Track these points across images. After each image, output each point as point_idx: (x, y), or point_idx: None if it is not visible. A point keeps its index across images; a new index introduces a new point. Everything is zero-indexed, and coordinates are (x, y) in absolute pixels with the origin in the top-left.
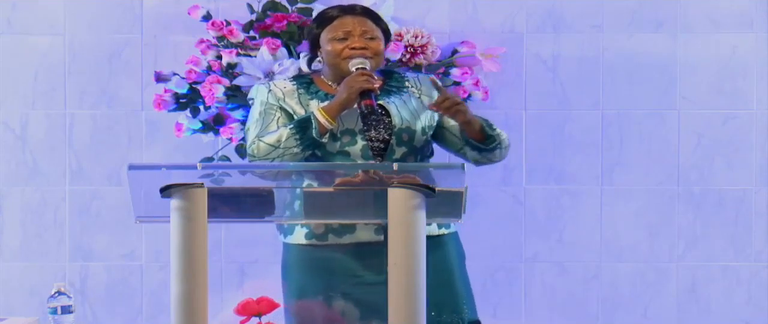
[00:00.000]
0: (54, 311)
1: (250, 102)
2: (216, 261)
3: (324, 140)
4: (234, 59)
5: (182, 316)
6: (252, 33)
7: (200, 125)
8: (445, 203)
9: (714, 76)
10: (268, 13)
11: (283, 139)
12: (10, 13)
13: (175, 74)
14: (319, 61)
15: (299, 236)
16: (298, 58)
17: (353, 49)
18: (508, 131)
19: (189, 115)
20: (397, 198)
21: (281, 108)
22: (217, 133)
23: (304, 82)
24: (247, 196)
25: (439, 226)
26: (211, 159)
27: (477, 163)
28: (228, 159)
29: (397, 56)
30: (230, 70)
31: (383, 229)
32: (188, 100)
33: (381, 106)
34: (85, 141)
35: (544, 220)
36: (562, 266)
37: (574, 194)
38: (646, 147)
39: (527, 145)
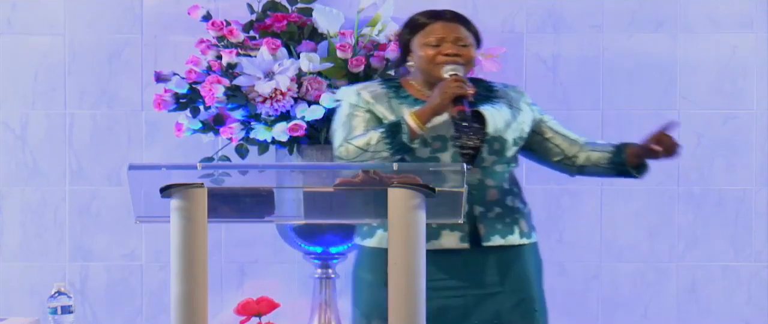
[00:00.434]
0: (54, 311)
1: (337, 103)
2: (216, 261)
3: (414, 146)
4: (234, 59)
5: (182, 316)
6: (252, 33)
7: (200, 125)
8: (445, 203)
9: (714, 76)
10: (268, 13)
11: (373, 142)
12: (10, 13)
13: (175, 74)
14: (411, 67)
15: (381, 240)
16: (298, 58)
17: (447, 55)
18: None
19: (189, 115)
20: (397, 198)
21: (370, 111)
22: (217, 133)
23: (393, 86)
24: (247, 196)
25: (521, 236)
26: (211, 159)
27: (572, 175)
28: (228, 159)
29: (397, 56)
30: (230, 70)
31: (469, 237)
32: (188, 100)
33: (476, 112)
34: (85, 141)
35: (544, 220)
36: (562, 266)
37: (574, 194)
38: None
39: None
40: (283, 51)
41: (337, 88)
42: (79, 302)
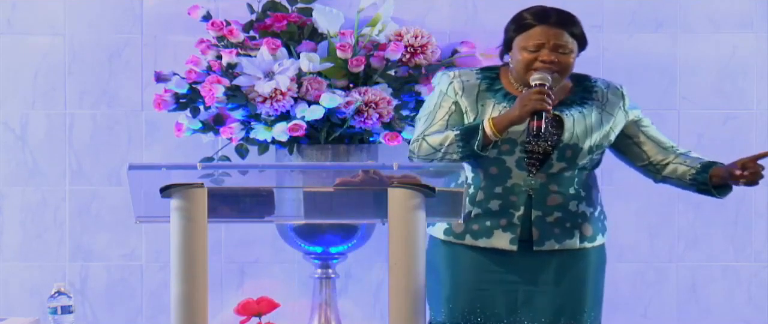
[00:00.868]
0: (54, 311)
1: (433, 86)
2: (216, 261)
3: (484, 153)
4: (234, 59)
5: (182, 316)
6: (252, 33)
7: (200, 125)
8: (445, 203)
9: (714, 76)
10: (268, 13)
11: (446, 143)
12: (10, 13)
13: (175, 74)
14: (509, 62)
15: (438, 230)
16: (298, 58)
17: (543, 61)
18: None
19: (189, 115)
20: (397, 198)
21: (456, 103)
22: (217, 133)
23: (490, 76)
24: (247, 196)
25: (582, 240)
26: (211, 159)
27: (656, 181)
28: (228, 159)
29: (397, 56)
30: (230, 70)
31: (520, 239)
32: (188, 100)
33: (556, 117)
34: (85, 141)
35: None
36: None
37: None
38: None
39: None
40: (283, 51)
41: (337, 88)
42: (79, 302)
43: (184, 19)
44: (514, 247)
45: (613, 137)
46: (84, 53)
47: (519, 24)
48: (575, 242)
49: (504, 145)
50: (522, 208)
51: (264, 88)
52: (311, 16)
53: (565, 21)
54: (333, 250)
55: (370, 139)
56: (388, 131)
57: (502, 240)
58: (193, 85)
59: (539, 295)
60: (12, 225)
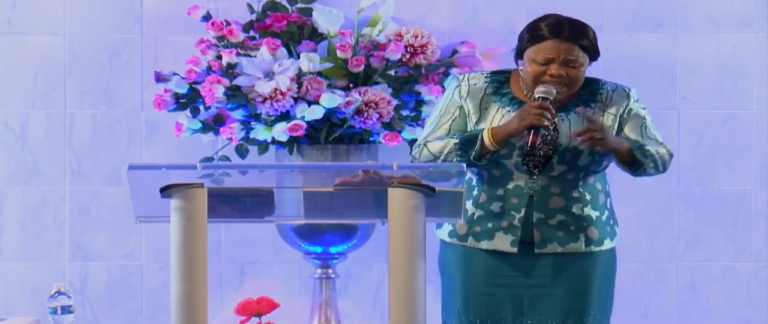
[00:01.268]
0: (54, 311)
1: (444, 89)
2: (216, 261)
3: (481, 163)
4: (234, 59)
5: (182, 316)
6: (252, 33)
7: (200, 125)
8: (445, 203)
9: (714, 76)
10: (268, 13)
11: (445, 151)
12: (10, 13)
13: (175, 74)
14: (520, 70)
15: (443, 233)
16: (298, 58)
17: (551, 75)
18: None
19: (189, 115)
20: (397, 198)
21: (461, 107)
22: (217, 133)
23: (499, 80)
24: (247, 196)
25: (588, 244)
26: (211, 159)
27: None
28: (228, 159)
29: (397, 56)
30: (230, 70)
31: (521, 242)
32: (188, 100)
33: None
34: (85, 141)
35: None
36: None
37: None
38: None
39: None
40: (283, 51)
41: (337, 88)
42: (79, 302)
43: (184, 19)
44: (515, 249)
45: (615, 130)
46: (84, 53)
47: (532, 34)
48: (580, 245)
49: (503, 149)
50: (523, 211)
51: (264, 88)
52: (311, 16)
53: (577, 35)
54: (333, 250)
55: (370, 139)
56: (388, 131)
57: (503, 242)
58: (193, 85)
59: (544, 298)
60: (12, 225)
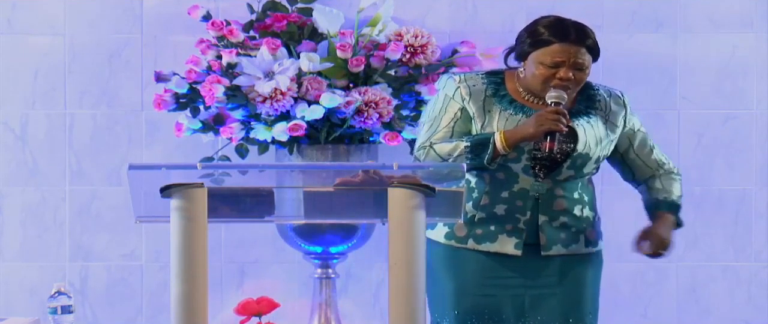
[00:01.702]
0: (54, 311)
1: (437, 89)
2: (216, 261)
3: (492, 166)
4: (234, 59)
5: (182, 316)
6: (252, 33)
7: (200, 125)
8: (445, 203)
9: (714, 76)
10: (268, 13)
11: (455, 154)
12: (10, 13)
13: (175, 74)
14: (520, 72)
15: (439, 234)
16: (298, 58)
17: (560, 78)
18: None
19: (189, 115)
20: (397, 198)
21: (463, 109)
22: (217, 133)
23: (495, 81)
24: (247, 196)
25: (587, 245)
26: (211, 159)
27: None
28: (228, 159)
29: (397, 56)
30: (230, 70)
31: (526, 244)
32: (188, 100)
33: (570, 129)
34: (85, 141)
35: None
36: None
37: None
38: None
39: None
40: (283, 51)
41: (337, 88)
42: (79, 302)
43: (184, 19)
44: (519, 252)
45: (613, 147)
46: (84, 53)
47: (536, 38)
48: (581, 247)
49: (511, 153)
50: (528, 213)
51: (264, 88)
52: (311, 16)
53: (583, 37)
54: (333, 250)
55: (370, 139)
56: (388, 131)
57: (507, 245)
58: (193, 85)
59: (545, 299)
60: (12, 225)
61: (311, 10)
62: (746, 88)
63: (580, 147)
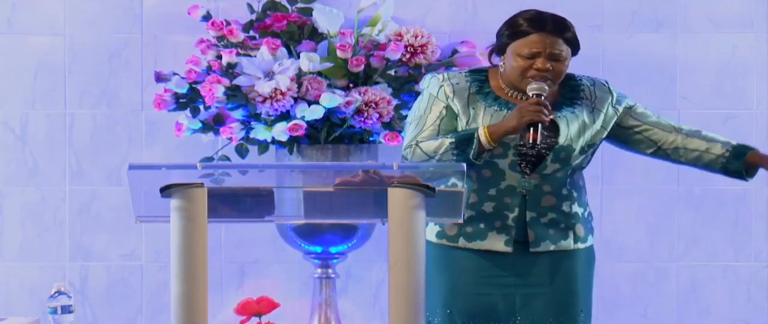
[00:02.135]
0: (54, 311)
1: (421, 89)
2: (216, 261)
3: (479, 162)
4: (234, 59)
5: (182, 316)
6: (252, 33)
7: (200, 125)
8: (445, 203)
9: (714, 76)
10: (268, 13)
11: (441, 150)
12: (10, 13)
13: (175, 74)
14: (501, 66)
15: (430, 233)
16: (298, 58)
17: (538, 69)
18: None
19: (189, 115)
20: (397, 198)
21: (448, 106)
22: (217, 133)
23: (479, 78)
24: (247, 196)
25: (576, 241)
26: (211, 159)
27: (680, 164)
28: (228, 159)
29: (397, 56)
30: (230, 70)
31: (515, 241)
32: (188, 100)
33: (551, 122)
34: (85, 141)
35: None
36: None
37: None
38: None
39: None
40: (283, 51)
41: (337, 88)
42: (79, 302)
43: (184, 19)
44: (509, 249)
45: (605, 134)
46: (84, 53)
47: (514, 30)
48: (569, 243)
49: (497, 149)
50: (516, 210)
51: (264, 88)
52: (311, 16)
53: (561, 28)
54: (333, 250)
55: (370, 139)
56: (388, 131)
57: (497, 242)
58: (193, 85)
59: (537, 296)
60: (12, 225)
61: (311, 10)
62: (746, 88)
63: (561, 139)
